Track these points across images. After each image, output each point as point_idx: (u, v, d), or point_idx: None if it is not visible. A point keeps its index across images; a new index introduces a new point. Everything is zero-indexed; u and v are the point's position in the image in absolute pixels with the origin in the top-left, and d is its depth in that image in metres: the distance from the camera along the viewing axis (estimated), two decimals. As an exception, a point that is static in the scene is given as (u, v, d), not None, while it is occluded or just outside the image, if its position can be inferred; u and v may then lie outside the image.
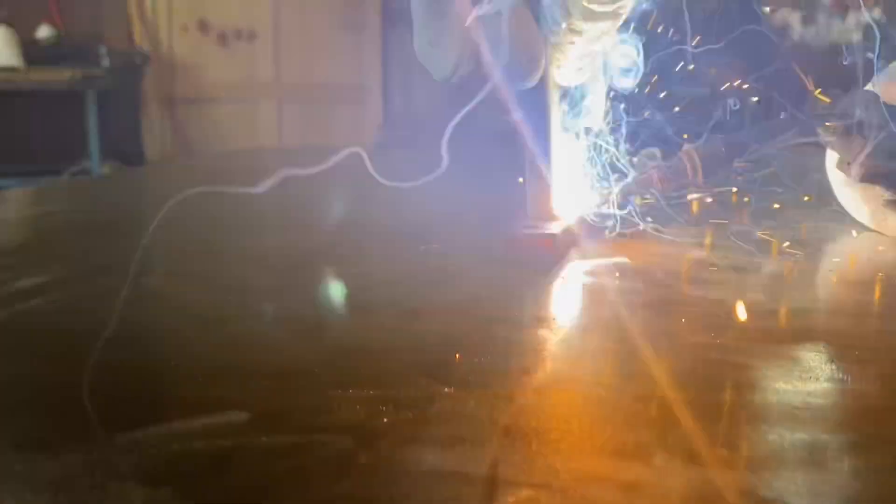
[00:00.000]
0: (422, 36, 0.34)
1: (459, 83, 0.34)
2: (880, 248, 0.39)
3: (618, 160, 0.40)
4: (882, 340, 0.26)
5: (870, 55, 0.39)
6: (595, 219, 0.40)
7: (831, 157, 0.43)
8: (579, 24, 0.33)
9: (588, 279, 0.33)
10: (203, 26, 3.28)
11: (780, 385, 0.21)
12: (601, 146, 0.40)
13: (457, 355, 0.23)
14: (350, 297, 0.30)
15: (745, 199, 0.44)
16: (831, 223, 0.43)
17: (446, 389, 0.20)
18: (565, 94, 0.39)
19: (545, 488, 0.15)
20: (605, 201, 0.40)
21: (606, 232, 0.39)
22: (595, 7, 0.33)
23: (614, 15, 0.33)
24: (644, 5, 0.36)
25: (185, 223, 0.50)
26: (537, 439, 0.17)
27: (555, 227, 0.37)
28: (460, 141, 0.29)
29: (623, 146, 0.40)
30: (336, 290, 0.31)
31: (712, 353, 0.23)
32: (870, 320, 0.28)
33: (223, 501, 0.15)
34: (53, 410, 0.19)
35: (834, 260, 0.38)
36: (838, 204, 0.43)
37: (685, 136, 0.42)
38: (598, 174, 0.40)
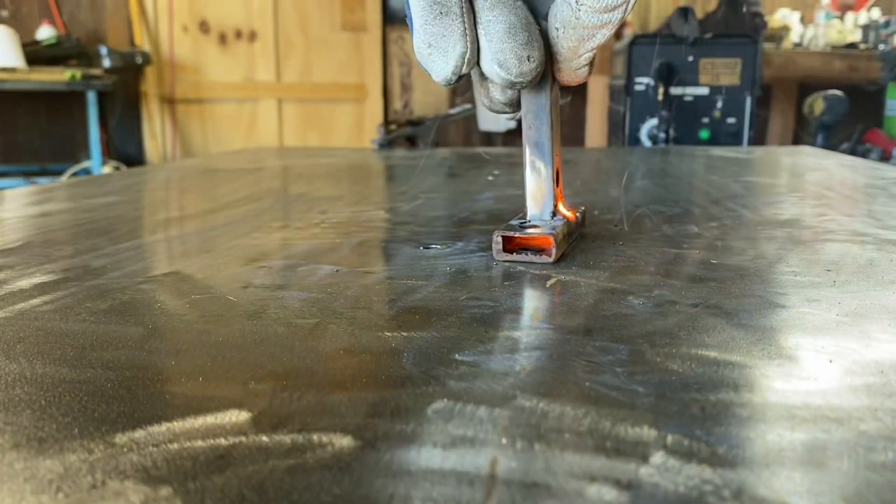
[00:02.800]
0: (420, 37, 0.33)
1: (460, 85, 0.34)
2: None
3: None
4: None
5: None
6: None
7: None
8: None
9: (589, 278, 0.33)
10: (203, 27, 3.28)
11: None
12: None
13: (456, 355, 0.23)
14: (350, 296, 0.30)
15: None
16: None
17: (446, 389, 0.20)
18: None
19: (544, 487, 0.15)
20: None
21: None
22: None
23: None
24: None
25: (185, 222, 0.50)
26: (537, 439, 0.17)
27: (553, 226, 0.37)
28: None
29: None
30: (336, 289, 0.31)
31: (711, 353, 0.23)
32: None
33: (223, 501, 0.15)
34: (53, 410, 0.19)
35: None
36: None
37: None
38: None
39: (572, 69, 0.35)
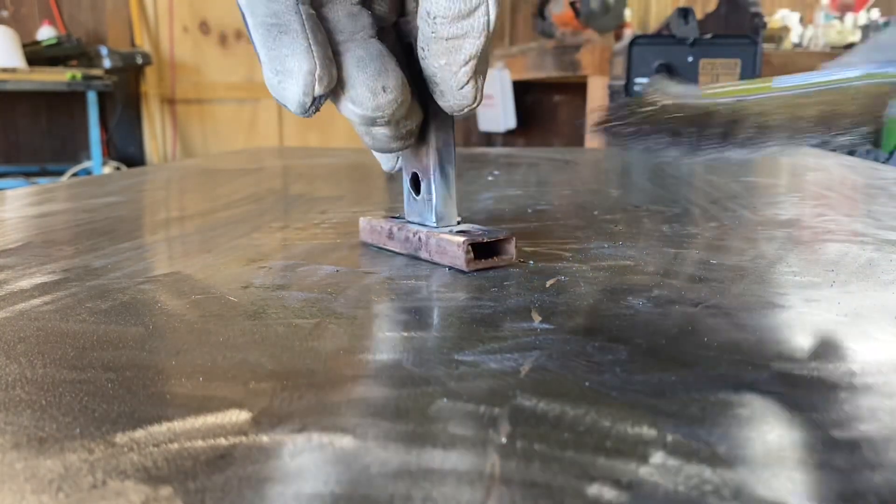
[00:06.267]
0: (267, 67, 0.30)
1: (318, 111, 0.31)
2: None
3: None
4: (881, 340, 0.26)
5: None
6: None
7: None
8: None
9: (589, 278, 0.33)
10: (204, 27, 3.29)
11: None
12: None
13: (456, 355, 0.23)
14: (350, 296, 0.30)
15: None
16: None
17: (446, 389, 0.20)
18: None
19: (544, 487, 0.15)
20: None
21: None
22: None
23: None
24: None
25: (186, 222, 0.50)
26: (537, 439, 0.17)
27: (481, 228, 0.36)
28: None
29: None
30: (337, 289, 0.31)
31: (711, 353, 0.23)
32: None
33: (223, 500, 0.15)
34: (54, 410, 0.19)
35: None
36: None
37: None
38: None
39: (454, 90, 0.31)
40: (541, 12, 2.97)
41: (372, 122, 0.31)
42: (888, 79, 0.34)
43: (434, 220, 0.36)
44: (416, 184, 0.37)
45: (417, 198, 0.37)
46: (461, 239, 0.33)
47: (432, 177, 0.35)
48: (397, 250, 0.38)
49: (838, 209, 0.54)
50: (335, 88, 0.31)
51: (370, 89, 0.30)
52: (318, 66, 0.29)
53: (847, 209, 0.54)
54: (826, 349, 0.24)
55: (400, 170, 0.38)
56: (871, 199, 0.61)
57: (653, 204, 0.56)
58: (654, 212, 0.52)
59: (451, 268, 0.34)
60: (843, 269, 0.34)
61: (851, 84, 0.35)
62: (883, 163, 1.12)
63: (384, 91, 0.30)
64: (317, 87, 0.29)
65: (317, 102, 0.30)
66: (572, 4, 2.60)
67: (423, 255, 0.36)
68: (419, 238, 0.36)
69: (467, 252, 0.33)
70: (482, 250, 0.34)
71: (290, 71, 0.29)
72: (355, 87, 0.30)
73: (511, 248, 0.34)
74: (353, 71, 0.30)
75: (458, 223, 0.36)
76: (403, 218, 0.39)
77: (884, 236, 0.42)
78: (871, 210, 0.54)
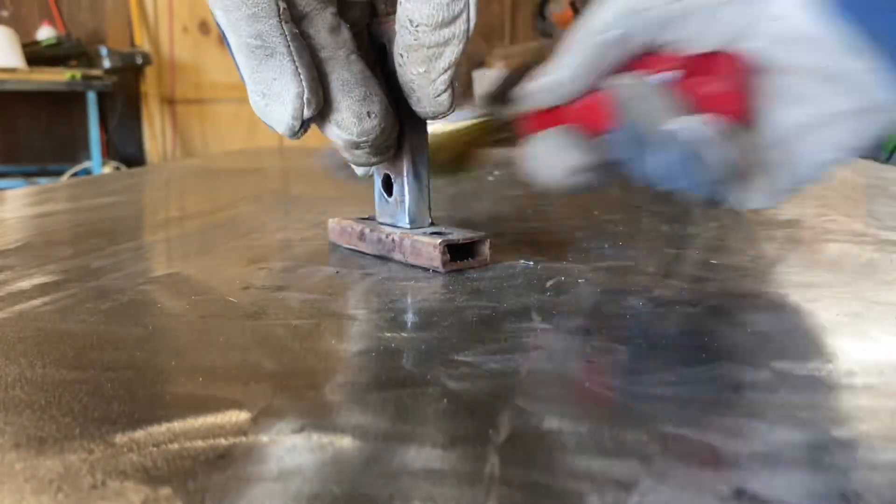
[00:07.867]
0: (253, 88, 0.29)
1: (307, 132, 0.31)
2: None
3: None
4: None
5: None
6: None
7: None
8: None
9: (589, 278, 0.33)
10: (203, 27, 3.28)
11: (780, 385, 0.21)
12: None
13: (456, 355, 0.23)
14: (350, 297, 0.30)
15: None
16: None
17: (446, 389, 0.20)
18: None
19: (544, 488, 0.15)
20: None
21: None
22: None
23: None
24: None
25: (185, 222, 0.50)
26: (537, 439, 0.17)
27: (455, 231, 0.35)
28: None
29: None
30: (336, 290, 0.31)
31: (711, 353, 0.23)
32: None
33: (223, 500, 0.15)
34: (53, 410, 0.19)
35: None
36: None
37: None
38: None
39: (431, 97, 0.31)
40: (541, 12, 2.97)
41: (356, 146, 0.31)
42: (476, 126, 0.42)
43: (407, 221, 0.36)
44: (388, 185, 0.37)
45: (389, 199, 0.36)
46: (437, 240, 0.33)
47: (405, 179, 0.35)
48: (369, 251, 0.37)
49: (838, 209, 0.54)
50: (320, 110, 0.30)
51: (356, 114, 0.30)
52: (306, 90, 0.29)
53: (847, 209, 0.54)
54: (826, 349, 0.24)
55: (373, 174, 0.38)
56: (872, 198, 0.61)
57: (653, 204, 0.56)
58: (654, 212, 0.52)
59: (431, 269, 0.34)
60: (843, 269, 0.34)
61: (457, 129, 0.41)
62: (883, 162, 1.12)
63: (369, 117, 0.30)
64: (305, 110, 0.29)
65: (305, 125, 0.30)
66: (572, 4, 2.60)
67: (397, 256, 0.35)
68: (392, 239, 0.35)
69: (443, 253, 0.33)
70: (458, 251, 0.34)
71: (277, 94, 0.29)
72: (341, 112, 0.30)
73: (485, 250, 0.34)
74: (338, 95, 0.30)
75: (430, 224, 0.36)
76: (374, 219, 0.38)
77: (884, 236, 0.42)
78: (871, 210, 0.54)
